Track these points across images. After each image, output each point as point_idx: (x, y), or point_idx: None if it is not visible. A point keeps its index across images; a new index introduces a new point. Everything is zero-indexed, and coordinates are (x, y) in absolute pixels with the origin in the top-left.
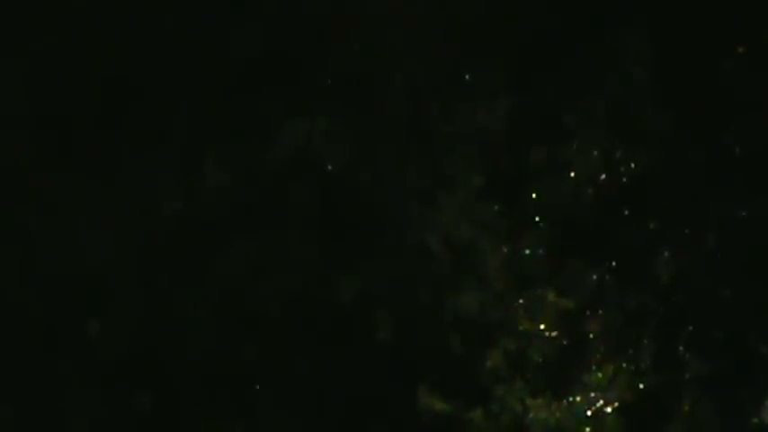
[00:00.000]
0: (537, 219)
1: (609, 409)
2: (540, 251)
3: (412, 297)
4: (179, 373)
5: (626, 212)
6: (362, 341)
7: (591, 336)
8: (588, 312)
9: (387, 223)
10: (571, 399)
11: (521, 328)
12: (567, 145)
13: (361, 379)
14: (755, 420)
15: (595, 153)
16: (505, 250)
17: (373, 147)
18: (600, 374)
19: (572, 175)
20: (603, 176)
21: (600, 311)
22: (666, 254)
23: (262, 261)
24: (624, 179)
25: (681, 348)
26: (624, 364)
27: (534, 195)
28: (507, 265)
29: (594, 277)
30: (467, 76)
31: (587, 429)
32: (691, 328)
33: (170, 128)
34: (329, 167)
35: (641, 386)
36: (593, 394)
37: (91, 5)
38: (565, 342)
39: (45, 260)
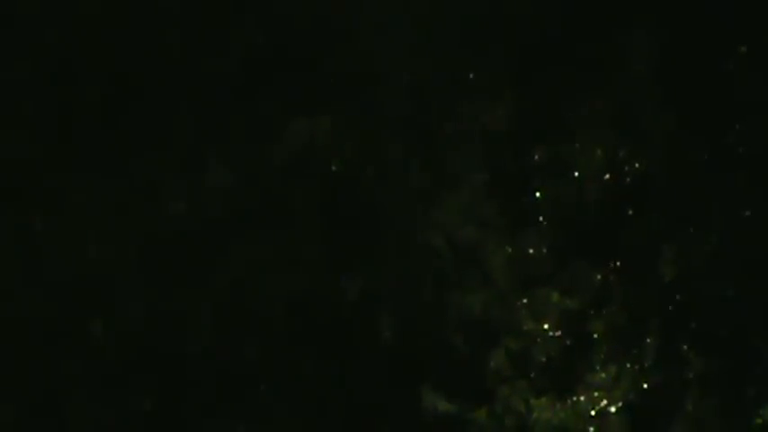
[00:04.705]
0: (540, 218)
1: (613, 409)
2: (544, 251)
3: (415, 297)
4: (182, 373)
5: (629, 212)
6: (366, 341)
7: (594, 335)
8: (592, 312)
9: (390, 223)
10: (575, 398)
11: (524, 327)
12: (571, 144)
13: (365, 379)
14: (759, 420)
15: (599, 153)
16: (509, 250)
17: (376, 146)
18: (603, 374)
19: (575, 174)
20: (607, 176)
21: (603, 311)
22: (670, 253)
23: (265, 261)
24: (627, 179)
25: (684, 348)
26: (628, 364)
27: (538, 195)
28: (511, 265)
29: (598, 277)
30: (470, 76)
31: (591, 429)
32: (694, 327)
33: (173, 128)
34: (332, 167)
35: (645, 386)
36: (596, 394)
37: (94, 7)
38: (568, 342)
39: (48, 260)
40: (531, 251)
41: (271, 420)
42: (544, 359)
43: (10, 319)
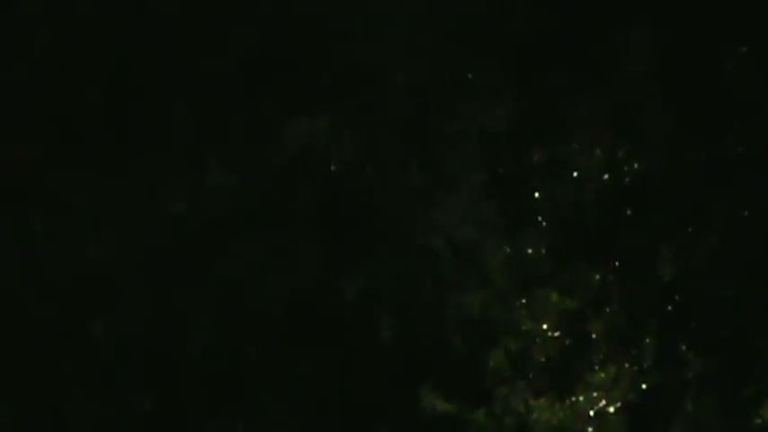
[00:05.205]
0: (539, 218)
1: (611, 409)
2: (543, 251)
3: (414, 297)
4: (182, 373)
5: (628, 212)
6: (365, 341)
7: (593, 336)
8: (591, 312)
9: (389, 223)
10: (574, 399)
11: (523, 327)
12: (569, 145)
13: (364, 378)
14: (758, 420)
15: (597, 153)
16: (508, 250)
17: (376, 146)
18: (602, 374)
19: (574, 174)
20: (606, 176)
21: (602, 311)
22: (669, 253)
23: (265, 261)
24: (626, 179)
25: (683, 348)
26: (627, 364)
27: (537, 195)
28: (510, 265)
29: (597, 277)
30: (469, 76)
31: (590, 429)
32: (693, 327)
33: (173, 128)
34: (332, 167)
35: (644, 386)
36: (595, 394)
37: (93, 8)
38: (567, 342)
39: (49, 260)
40: (529, 251)
41: (271, 420)
42: (543, 359)
43: (10, 319)
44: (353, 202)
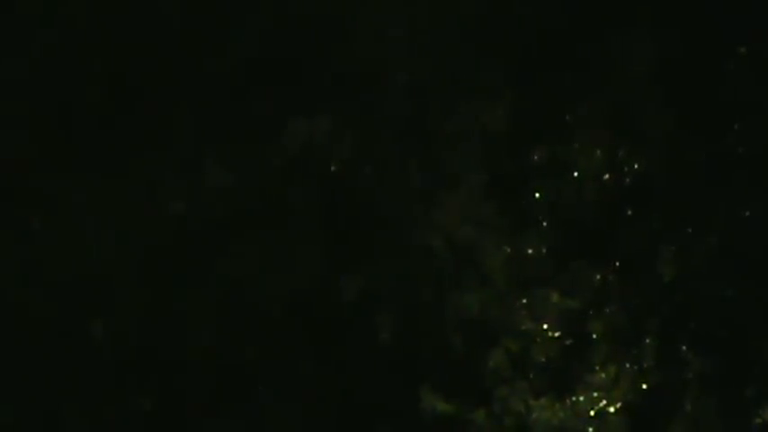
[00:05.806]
0: (540, 218)
1: (612, 409)
2: (543, 251)
3: (414, 297)
4: (181, 373)
5: (629, 212)
6: (364, 341)
7: (594, 336)
8: (591, 312)
9: (389, 223)
10: (574, 399)
11: (523, 328)
12: (570, 145)
13: (364, 379)
14: (758, 420)
15: (598, 153)
16: (508, 250)
17: (375, 146)
18: (603, 374)
19: (575, 174)
20: (606, 176)
21: (603, 311)
22: (669, 254)
23: (264, 261)
24: (627, 179)
25: (684, 348)
26: (627, 364)
27: (537, 195)
28: (510, 265)
29: (597, 277)
30: (469, 76)
31: (590, 429)
32: (693, 327)
33: (173, 128)
34: (331, 167)
35: (644, 386)
36: (595, 394)
37: (93, 7)
38: (567, 342)
39: (48, 260)
40: (530, 251)
41: (271, 420)
42: (543, 359)
43: (10, 319)
44: (353, 202)
